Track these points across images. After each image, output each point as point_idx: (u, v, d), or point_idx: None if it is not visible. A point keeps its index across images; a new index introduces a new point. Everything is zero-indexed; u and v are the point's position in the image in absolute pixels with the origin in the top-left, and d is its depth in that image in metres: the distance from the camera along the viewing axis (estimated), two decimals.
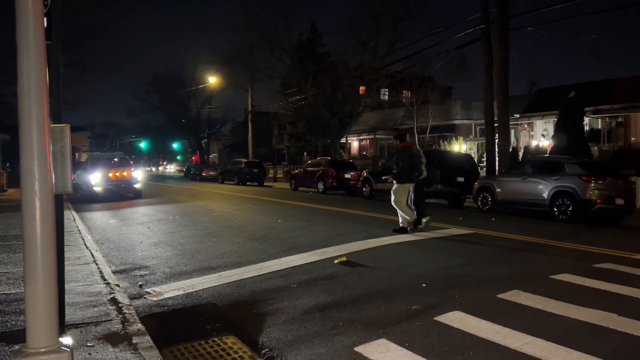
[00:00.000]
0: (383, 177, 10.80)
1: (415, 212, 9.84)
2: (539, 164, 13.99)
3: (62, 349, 2.45)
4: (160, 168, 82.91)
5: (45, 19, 3.01)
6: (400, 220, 9.78)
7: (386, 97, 38.76)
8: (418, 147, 10.44)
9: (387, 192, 18.47)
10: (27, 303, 2.43)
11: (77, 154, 43.74)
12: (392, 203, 9.80)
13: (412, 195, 10.04)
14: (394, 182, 9.78)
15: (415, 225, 9.65)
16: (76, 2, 19.25)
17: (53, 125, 3.53)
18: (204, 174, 42.22)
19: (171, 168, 74.41)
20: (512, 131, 26.15)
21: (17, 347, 2.49)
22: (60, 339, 2.50)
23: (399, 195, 9.64)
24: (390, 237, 9.23)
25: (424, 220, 9.90)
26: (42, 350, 2.40)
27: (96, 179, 18.81)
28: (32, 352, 2.39)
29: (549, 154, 19.38)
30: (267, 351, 4.07)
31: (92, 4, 22.32)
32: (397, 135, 10.50)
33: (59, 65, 4.28)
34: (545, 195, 12.79)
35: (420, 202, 10.05)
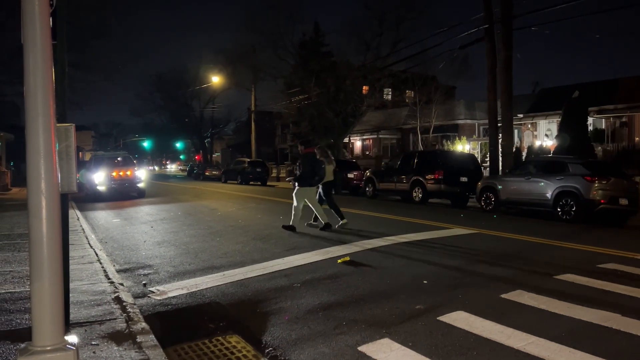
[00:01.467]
0: (287, 179, 11.19)
1: (337, 213, 10.51)
2: (542, 164, 13.97)
3: (68, 347, 2.46)
4: (156, 167, 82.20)
5: (50, 19, 3.02)
6: (292, 220, 10.19)
7: (389, 97, 38.74)
8: (328, 152, 10.97)
9: (390, 192, 18.67)
10: (33, 301, 2.44)
11: (80, 153, 43.86)
12: (294, 204, 10.20)
13: (324, 199, 10.68)
14: (295, 185, 10.25)
15: (291, 230, 10.10)
16: (80, 1, 19.30)
17: (58, 124, 3.55)
18: (207, 174, 42.26)
19: (172, 167, 73.72)
20: (516, 131, 26.06)
21: (22, 345, 2.50)
22: (66, 337, 2.52)
23: (300, 197, 10.07)
24: (393, 237, 9.23)
25: (328, 222, 10.38)
26: (48, 348, 2.41)
27: (100, 178, 18.86)
28: (38, 350, 2.40)
29: (553, 154, 19.34)
30: (270, 350, 4.08)
31: (96, 4, 22.36)
32: (302, 142, 10.95)
33: (64, 64, 4.31)
34: (548, 195, 12.76)
35: (331, 203, 10.60)
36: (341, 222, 10.50)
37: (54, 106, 2.47)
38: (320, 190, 10.69)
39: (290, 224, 10.16)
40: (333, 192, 11.02)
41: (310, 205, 10.27)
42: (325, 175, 10.40)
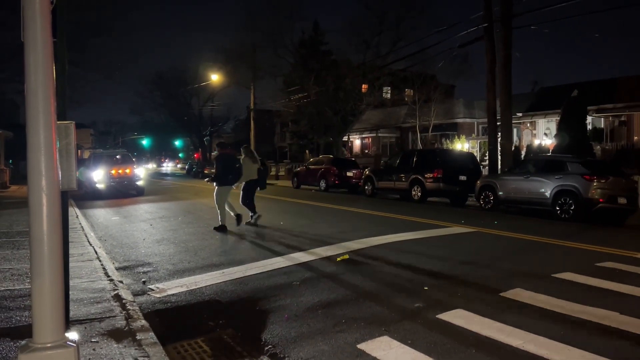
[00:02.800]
0: (205, 180, 11.67)
1: (249, 210, 11.01)
2: (541, 163, 13.97)
3: (69, 344, 2.47)
4: (152, 165, 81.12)
5: (50, 17, 3.02)
6: (220, 219, 10.34)
7: (388, 96, 38.70)
8: (253, 152, 11.51)
9: (389, 191, 18.68)
10: (34, 299, 2.45)
11: (79, 151, 43.75)
12: (215, 203, 10.56)
13: (241, 194, 11.12)
14: (214, 184, 10.63)
15: (238, 222, 10.57)
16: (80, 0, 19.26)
17: (58, 122, 3.55)
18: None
19: (168, 166, 71.99)
20: (515, 130, 26.08)
21: (23, 342, 2.51)
22: (66, 335, 2.53)
23: (219, 196, 10.38)
24: (392, 235, 9.25)
25: (254, 215, 10.94)
26: (49, 345, 2.42)
27: (99, 176, 18.86)
28: (38, 347, 2.41)
29: (552, 152, 19.35)
30: (270, 348, 4.09)
31: (96, 2, 22.33)
32: (219, 144, 11.62)
33: (64, 62, 4.31)
34: (547, 194, 12.77)
35: (249, 201, 11.06)
36: (254, 217, 10.89)
37: (54, 104, 2.48)
38: (241, 188, 11.12)
39: (220, 224, 10.27)
40: (258, 189, 11.42)
41: (227, 203, 10.54)
42: (247, 174, 10.82)
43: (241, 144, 14.84)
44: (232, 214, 10.53)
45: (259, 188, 11.29)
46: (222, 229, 10.13)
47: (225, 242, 8.92)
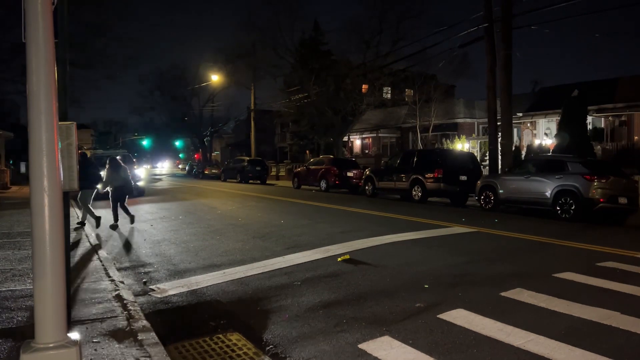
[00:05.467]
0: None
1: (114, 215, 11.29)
2: (541, 163, 13.97)
3: (70, 344, 2.47)
4: (147, 166, 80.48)
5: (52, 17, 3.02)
6: (82, 216, 11.09)
7: (389, 96, 38.72)
8: (117, 162, 11.69)
9: (390, 191, 18.70)
10: (36, 299, 2.45)
11: (80, 151, 43.72)
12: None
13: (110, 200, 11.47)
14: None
15: (82, 225, 10.78)
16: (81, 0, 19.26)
17: (60, 122, 3.55)
18: (206, 172, 42.21)
19: (164, 166, 70.18)
20: (515, 130, 26.04)
21: (25, 342, 2.51)
22: (68, 335, 2.53)
23: (82, 197, 11.00)
24: (393, 235, 9.25)
25: (102, 220, 11.10)
26: (51, 345, 2.42)
27: None
28: (40, 347, 2.42)
29: (552, 152, 19.34)
30: (271, 348, 4.09)
31: (96, 1, 22.34)
32: (80, 153, 11.93)
33: (65, 63, 4.32)
34: (548, 194, 12.77)
35: (114, 207, 11.29)
36: (94, 223, 11.06)
37: (56, 104, 2.48)
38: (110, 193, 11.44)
39: (94, 220, 10.86)
40: (126, 197, 11.65)
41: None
42: (107, 182, 11.25)
43: (242, 144, 14.99)
44: (78, 216, 10.89)
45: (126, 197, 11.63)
46: (113, 226, 10.76)
47: (225, 243, 8.93)
